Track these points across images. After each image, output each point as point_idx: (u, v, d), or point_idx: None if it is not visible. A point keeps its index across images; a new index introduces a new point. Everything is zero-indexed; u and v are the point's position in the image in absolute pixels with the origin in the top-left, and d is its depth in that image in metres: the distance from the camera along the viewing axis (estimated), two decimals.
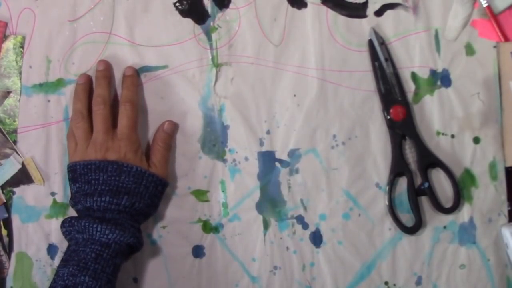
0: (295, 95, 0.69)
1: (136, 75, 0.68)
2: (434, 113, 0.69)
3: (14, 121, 0.69)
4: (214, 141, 0.69)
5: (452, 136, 0.69)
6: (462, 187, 0.68)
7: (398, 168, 0.68)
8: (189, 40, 0.69)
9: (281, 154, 0.69)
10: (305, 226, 0.69)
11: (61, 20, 0.69)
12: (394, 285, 0.68)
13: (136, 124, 0.65)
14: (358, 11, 0.69)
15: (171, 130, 0.67)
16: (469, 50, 0.69)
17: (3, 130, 0.69)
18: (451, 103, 0.69)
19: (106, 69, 0.67)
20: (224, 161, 0.69)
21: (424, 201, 0.69)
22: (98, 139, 0.63)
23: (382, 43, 0.68)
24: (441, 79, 0.69)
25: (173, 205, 0.68)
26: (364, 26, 0.69)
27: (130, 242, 0.61)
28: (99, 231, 0.59)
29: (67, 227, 0.62)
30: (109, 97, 0.66)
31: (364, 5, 0.70)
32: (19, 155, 0.69)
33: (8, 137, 0.69)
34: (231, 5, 0.69)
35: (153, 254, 0.68)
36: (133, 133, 0.64)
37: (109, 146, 0.63)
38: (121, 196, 0.61)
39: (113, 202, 0.61)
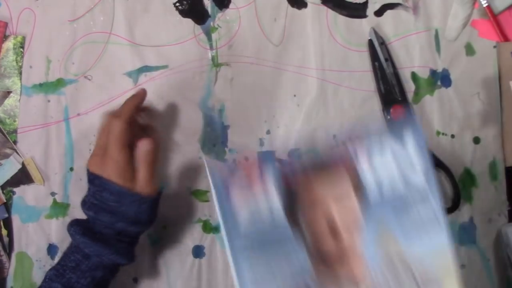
0: (295, 95, 0.69)
1: (138, 97, 0.63)
2: (434, 113, 0.69)
3: (14, 121, 0.69)
4: (214, 141, 0.69)
5: (452, 136, 0.69)
6: (462, 187, 0.68)
7: None
8: (189, 40, 0.69)
9: (281, 154, 0.69)
10: None
11: (61, 20, 0.69)
12: None
13: (122, 145, 0.60)
14: (358, 11, 0.69)
15: (150, 148, 0.61)
16: (469, 50, 0.69)
17: (3, 130, 0.69)
18: (451, 103, 0.69)
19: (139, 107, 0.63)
20: (224, 161, 0.69)
21: None
22: (101, 150, 0.60)
23: (382, 43, 0.68)
24: (441, 79, 0.69)
25: (173, 205, 0.68)
26: (364, 26, 0.69)
27: (111, 258, 0.59)
28: (82, 242, 0.59)
29: (67, 228, 0.62)
30: (129, 117, 0.61)
31: (364, 5, 0.70)
32: (19, 155, 0.69)
33: (8, 137, 0.69)
34: (231, 5, 0.69)
35: (153, 254, 0.68)
36: (119, 153, 0.59)
37: (105, 160, 0.60)
38: (103, 213, 0.59)
39: (97, 218, 0.59)
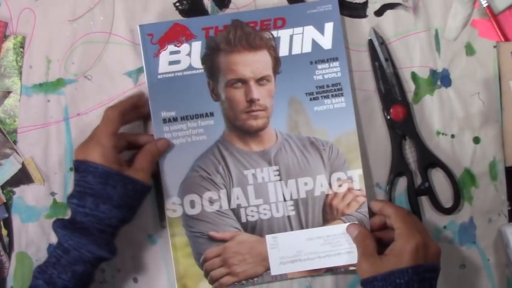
0: None
1: (137, 96, 0.66)
2: (434, 113, 0.69)
3: (14, 121, 0.69)
4: None
5: (452, 136, 0.69)
6: (462, 187, 0.68)
7: (398, 168, 0.68)
8: None
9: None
10: None
11: (61, 20, 0.69)
12: None
13: (111, 131, 0.61)
14: (358, 11, 0.69)
15: (165, 149, 0.65)
16: (469, 50, 0.69)
17: (3, 130, 0.69)
18: (451, 103, 0.69)
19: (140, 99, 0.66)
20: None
21: (424, 201, 0.69)
22: (89, 138, 0.62)
23: (382, 43, 0.68)
24: (441, 79, 0.69)
25: None
26: (364, 26, 0.69)
27: (90, 249, 0.59)
28: (62, 236, 0.59)
29: (51, 225, 0.62)
30: (124, 108, 0.63)
31: (364, 5, 0.70)
32: (19, 155, 0.69)
33: (8, 137, 0.69)
34: (231, 5, 0.69)
35: (153, 254, 0.68)
36: (106, 138, 0.61)
37: (90, 145, 0.61)
38: (87, 197, 0.59)
39: (80, 205, 0.60)
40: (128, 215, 0.61)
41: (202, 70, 0.66)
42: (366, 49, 0.69)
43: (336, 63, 0.66)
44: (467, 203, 0.69)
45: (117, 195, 0.60)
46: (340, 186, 0.66)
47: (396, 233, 0.60)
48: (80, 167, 0.60)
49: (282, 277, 0.66)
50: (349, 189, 0.66)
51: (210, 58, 0.66)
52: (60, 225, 0.59)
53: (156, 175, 0.66)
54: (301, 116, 0.66)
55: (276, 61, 0.66)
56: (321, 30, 0.66)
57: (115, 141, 0.61)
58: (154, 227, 0.68)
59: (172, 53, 0.66)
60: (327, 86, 0.66)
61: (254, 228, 0.65)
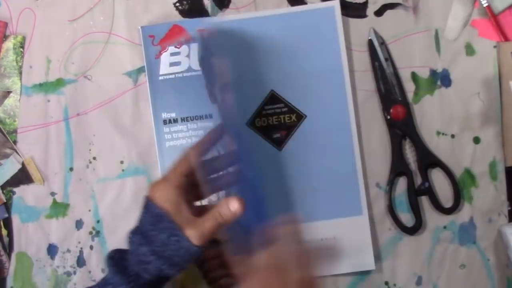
0: None
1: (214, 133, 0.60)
2: (434, 113, 0.69)
3: (14, 121, 0.69)
4: None
5: (452, 136, 0.69)
6: (462, 187, 0.68)
7: (398, 168, 0.68)
8: None
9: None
10: None
11: (61, 20, 0.69)
12: (394, 285, 0.68)
13: (184, 172, 0.56)
14: (358, 11, 0.69)
15: (236, 212, 0.55)
16: (469, 50, 0.69)
17: (3, 130, 0.69)
18: (451, 103, 0.69)
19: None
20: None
21: (424, 201, 0.69)
22: (164, 175, 0.57)
23: (382, 43, 0.68)
24: (441, 79, 0.69)
25: None
26: (364, 26, 0.69)
27: None
28: (113, 277, 0.55)
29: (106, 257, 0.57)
30: (203, 149, 0.59)
31: (364, 5, 0.70)
32: (19, 155, 0.69)
33: (8, 137, 0.69)
34: (231, 5, 0.69)
35: None
36: (176, 178, 0.56)
37: (159, 183, 0.56)
38: (137, 235, 0.55)
39: (130, 240, 0.55)
40: (167, 269, 0.54)
41: (201, 72, 0.66)
42: (366, 49, 0.69)
43: None
44: (467, 203, 0.69)
45: (159, 242, 0.53)
46: None
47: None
48: (147, 204, 0.56)
49: None
50: None
51: (206, 59, 0.66)
52: (113, 265, 0.55)
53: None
54: None
55: None
56: None
57: (185, 182, 0.55)
58: None
59: (172, 54, 0.66)
60: None
61: None
